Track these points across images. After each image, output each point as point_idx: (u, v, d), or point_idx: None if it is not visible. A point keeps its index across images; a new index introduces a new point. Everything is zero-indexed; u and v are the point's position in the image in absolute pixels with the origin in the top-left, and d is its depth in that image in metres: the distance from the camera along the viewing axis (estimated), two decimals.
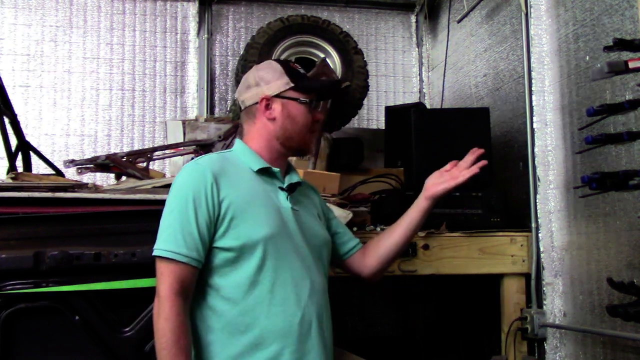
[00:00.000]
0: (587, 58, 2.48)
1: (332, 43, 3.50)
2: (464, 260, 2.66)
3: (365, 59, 3.54)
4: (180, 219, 1.64)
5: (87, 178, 3.46)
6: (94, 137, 4.06)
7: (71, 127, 4.05)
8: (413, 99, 4.51)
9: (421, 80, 4.56)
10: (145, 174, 2.84)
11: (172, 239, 1.63)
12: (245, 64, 3.36)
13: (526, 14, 2.81)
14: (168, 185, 2.28)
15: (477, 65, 3.63)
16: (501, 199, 2.75)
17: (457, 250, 2.66)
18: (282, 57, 3.42)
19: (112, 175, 3.01)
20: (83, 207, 2.06)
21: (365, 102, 3.69)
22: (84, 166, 2.91)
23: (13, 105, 2.93)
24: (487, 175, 2.86)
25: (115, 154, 2.98)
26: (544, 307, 2.64)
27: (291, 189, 1.82)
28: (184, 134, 3.18)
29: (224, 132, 3.07)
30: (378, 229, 2.65)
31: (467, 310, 3.35)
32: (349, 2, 4.51)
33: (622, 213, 2.24)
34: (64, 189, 2.16)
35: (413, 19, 4.63)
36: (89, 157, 3.12)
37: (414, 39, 4.62)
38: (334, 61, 3.47)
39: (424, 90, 4.52)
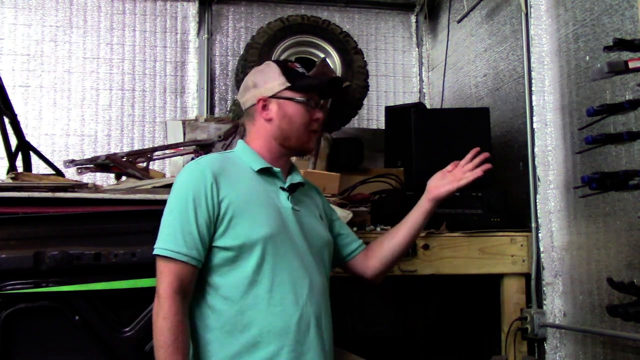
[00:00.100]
0: (587, 58, 2.48)
1: (332, 43, 3.50)
2: (464, 260, 2.66)
3: (365, 59, 3.54)
4: (180, 218, 1.65)
5: (87, 178, 3.46)
6: (94, 137, 4.06)
7: (71, 127, 4.05)
8: (413, 99, 4.51)
9: (421, 80, 4.56)
10: (145, 174, 2.84)
11: (171, 238, 1.64)
12: (245, 64, 3.36)
13: (526, 14, 2.81)
14: (168, 185, 2.28)
15: (477, 65, 3.63)
16: (501, 199, 2.75)
17: (457, 250, 2.66)
18: (282, 57, 3.42)
19: (112, 175, 3.01)
20: (83, 207, 2.06)
21: (365, 102, 3.69)
22: (84, 166, 2.91)
23: (13, 105, 2.93)
24: (488, 176, 2.87)
25: (115, 154, 2.98)
26: (544, 307, 2.64)
27: (292, 189, 1.82)
28: (184, 134, 3.18)
29: (224, 132, 3.08)
30: (378, 229, 2.65)
31: (467, 310, 3.35)
32: (349, 2, 4.51)
33: (622, 213, 2.24)
34: (64, 189, 2.16)
35: (413, 19, 4.63)
36: (89, 157, 3.12)
37: (414, 39, 4.62)
38: (334, 61, 3.47)
39: (424, 90, 4.52)
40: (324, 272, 1.80)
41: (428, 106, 4.30)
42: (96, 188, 2.38)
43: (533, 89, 2.76)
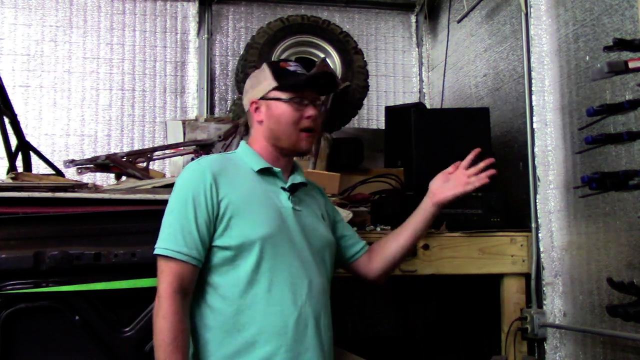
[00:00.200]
0: (587, 58, 2.48)
1: (332, 43, 3.50)
2: (464, 260, 2.66)
3: (365, 59, 3.54)
4: (180, 218, 1.66)
5: (87, 178, 3.46)
6: (94, 137, 4.06)
7: (71, 127, 4.05)
8: (413, 99, 4.51)
9: (421, 80, 4.56)
10: (145, 174, 2.84)
11: (171, 238, 1.65)
12: (245, 64, 3.36)
13: (526, 14, 2.81)
14: (168, 185, 2.29)
15: (477, 65, 3.63)
16: (501, 199, 2.75)
17: (457, 250, 2.66)
18: (282, 57, 3.42)
19: (112, 175, 3.01)
20: (83, 207, 2.06)
21: (365, 102, 3.69)
22: (84, 166, 2.91)
23: (13, 105, 2.93)
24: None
25: (115, 154, 2.98)
26: (544, 307, 2.64)
27: (293, 189, 1.81)
28: (184, 134, 3.19)
29: (224, 132, 3.08)
30: (378, 229, 2.65)
31: (467, 310, 3.35)
32: (349, 2, 4.51)
33: (622, 213, 2.24)
34: (64, 189, 2.16)
35: (413, 19, 4.63)
36: (89, 157, 3.12)
37: (414, 39, 4.62)
38: (334, 61, 3.47)
39: (424, 90, 4.52)
40: (324, 273, 1.79)
41: (428, 106, 4.30)
42: (96, 188, 2.38)
43: (533, 89, 2.76)
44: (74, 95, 4.07)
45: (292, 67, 1.84)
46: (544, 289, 2.64)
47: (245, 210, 1.69)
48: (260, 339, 1.63)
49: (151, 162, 3.03)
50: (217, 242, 1.67)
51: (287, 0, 4.40)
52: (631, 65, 1.93)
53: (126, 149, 3.97)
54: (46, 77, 4.05)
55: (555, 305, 2.63)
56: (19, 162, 2.95)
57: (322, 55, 3.45)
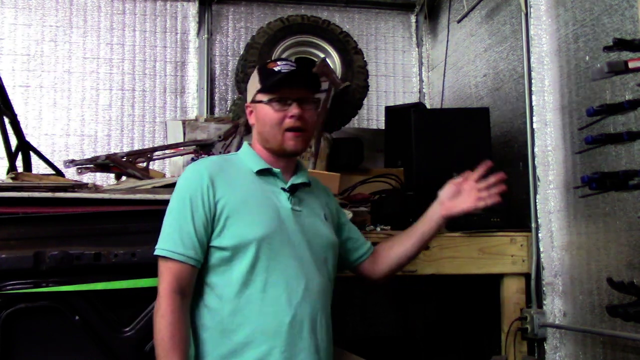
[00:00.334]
0: (587, 58, 2.48)
1: (332, 43, 3.50)
2: (464, 260, 2.66)
3: (365, 59, 3.54)
4: (178, 219, 1.68)
5: (87, 178, 3.47)
6: (94, 137, 4.07)
7: (71, 127, 4.05)
8: (413, 99, 4.51)
9: (421, 80, 4.56)
10: (145, 174, 2.84)
11: (170, 238, 1.67)
12: (245, 64, 3.36)
13: (526, 14, 2.81)
14: (168, 185, 2.29)
15: (477, 65, 3.63)
16: (501, 199, 2.75)
17: (457, 250, 2.66)
18: (282, 57, 3.42)
19: (112, 175, 3.01)
20: (83, 207, 2.06)
21: (365, 102, 3.69)
22: (84, 166, 2.91)
23: (13, 105, 2.93)
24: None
25: (115, 154, 2.98)
26: (544, 307, 2.64)
27: (293, 190, 1.81)
28: (184, 134, 3.19)
29: (224, 132, 3.08)
30: (378, 229, 2.65)
31: (467, 310, 3.35)
32: (349, 2, 4.51)
33: (622, 213, 2.24)
34: (64, 189, 2.16)
35: (413, 19, 4.63)
36: (89, 157, 3.12)
37: (414, 39, 4.62)
38: (334, 61, 3.47)
39: (424, 90, 4.52)
40: (325, 273, 1.78)
41: (428, 106, 4.30)
42: (96, 188, 2.38)
43: (533, 89, 2.76)
44: (74, 95, 4.07)
45: (278, 66, 1.79)
46: (544, 288, 2.64)
47: (241, 211, 1.69)
48: (254, 339, 1.64)
49: (151, 162, 3.03)
50: (214, 242, 1.69)
51: (287, 0, 4.40)
52: (631, 65, 1.93)
53: (126, 149, 3.97)
54: (46, 77, 4.05)
55: (555, 305, 2.63)
56: (19, 162, 2.95)
57: (322, 55, 3.46)
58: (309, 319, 1.68)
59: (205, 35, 4.24)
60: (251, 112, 1.85)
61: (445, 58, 4.01)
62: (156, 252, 1.67)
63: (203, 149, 3.05)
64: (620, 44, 1.97)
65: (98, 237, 2.00)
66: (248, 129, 3.00)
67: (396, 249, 1.98)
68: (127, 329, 1.99)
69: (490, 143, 2.92)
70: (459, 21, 3.87)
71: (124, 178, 2.89)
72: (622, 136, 2.10)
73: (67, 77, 4.07)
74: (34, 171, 3.07)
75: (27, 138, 3.10)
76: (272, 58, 3.33)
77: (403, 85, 4.59)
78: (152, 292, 1.69)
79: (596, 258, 2.39)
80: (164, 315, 1.61)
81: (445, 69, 4.01)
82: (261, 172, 1.79)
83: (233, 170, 1.78)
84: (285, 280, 1.68)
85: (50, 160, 3.19)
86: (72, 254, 1.93)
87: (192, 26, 4.27)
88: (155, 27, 4.23)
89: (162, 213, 1.73)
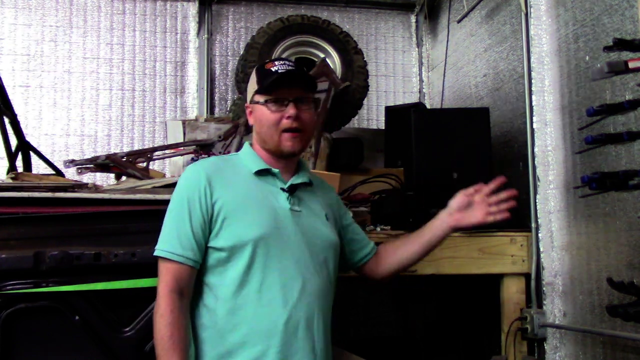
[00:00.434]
0: (587, 58, 2.48)
1: (332, 43, 3.50)
2: (464, 260, 2.66)
3: (365, 59, 3.54)
4: (177, 220, 1.70)
5: (87, 178, 3.47)
6: (94, 137, 4.07)
7: (71, 127, 4.05)
8: (413, 99, 4.51)
9: (421, 80, 4.56)
10: (145, 174, 2.84)
11: (168, 239, 1.69)
12: (245, 64, 3.36)
13: (526, 14, 2.81)
14: (168, 185, 2.29)
15: (477, 65, 3.63)
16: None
17: (457, 250, 2.66)
18: (282, 57, 3.42)
19: (112, 175, 3.01)
20: (83, 207, 2.06)
21: (365, 102, 3.69)
22: (84, 166, 2.91)
23: (13, 105, 2.93)
24: (487, 176, 2.87)
25: (115, 154, 2.98)
26: (544, 307, 2.64)
27: (292, 190, 1.81)
28: (184, 134, 3.19)
29: (224, 132, 3.08)
30: (378, 229, 2.65)
31: (467, 310, 3.35)
32: (349, 2, 4.51)
33: (622, 213, 2.24)
34: (64, 189, 2.16)
35: (413, 19, 4.64)
36: (89, 157, 3.12)
37: (414, 39, 4.62)
38: (334, 61, 3.47)
39: (424, 90, 4.52)
40: (324, 274, 1.77)
41: (428, 106, 4.30)
42: (96, 188, 2.38)
43: (533, 89, 2.76)
44: (74, 95, 4.07)
45: (276, 66, 1.79)
46: (544, 289, 2.64)
47: (238, 212, 1.70)
48: (250, 339, 1.64)
49: (151, 162, 3.03)
50: (212, 243, 1.70)
51: (287, 0, 4.40)
52: (631, 65, 1.93)
53: (126, 149, 3.97)
54: (46, 77, 4.05)
55: (555, 305, 2.63)
56: (19, 162, 2.95)
57: (322, 55, 3.46)
58: (304, 320, 1.68)
59: (205, 35, 4.24)
60: (250, 112, 1.85)
61: (445, 58, 4.01)
62: (155, 253, 1.69)
63: (203, 149, 3.05)
64: (620, 44, 1.97)
65: (98, 237, 2.00)
66: (248, 129, 3.00)
67: (400, 252, 1.98)
68: (127, 329, 1.99)
69: (490, 143, 2.92)
70: (459, 21, 3.87)
71: (124, 178, 2.89)
72: (622, 136, 2.10)
73: (67, 77, 4.07)
74: (34, 171, 3.07)
75: (27, 138, 3.10)
76: (272, 58, 3.33)
77: (403, 85, 4.59)
78: (152, 292, 1.69)
79: (596, 258, 2.39)
80: (163, 314, 1.62)
81: (445, 69, 4.01)
82: (260, 173, 1.79)
83: (232, 171, 1.78)
84: (282, 281, 1.68)
85: (50, 160, 3.19)
86: (72, 254, 1.93)
87: (192, 26, 4.27)
88: (155, 27, 4.23)
89: (162, 213, 1.74)
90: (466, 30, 3.80)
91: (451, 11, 4.02)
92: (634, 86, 2.16)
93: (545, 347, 2.63)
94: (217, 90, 4.27)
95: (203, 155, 3.00)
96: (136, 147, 4.03)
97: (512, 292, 2.72)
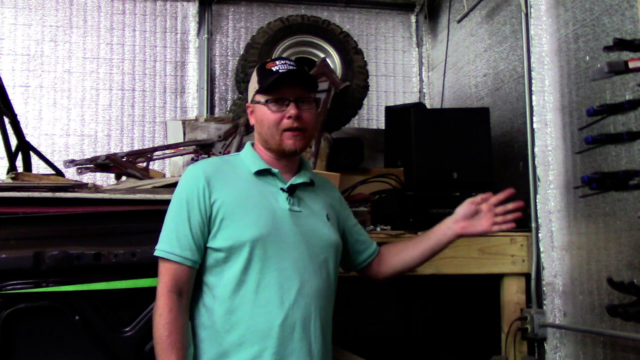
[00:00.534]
0: (587, 58, 2.48)
1: (332, 43, 3.50)
2: (464, 260, 2.66)
3: (365, 59, 3.54)
4: (176, 221, 1.71)
5: (87, 178, 3.46)
6: (94, 137, 4.07)
7: (71, 127, 4.05)
8: (413, 99, 4.51)
9: (421, 80, 4.56)
10: (145, 174, 2.84)
11: (168, 240, 1.70)
12: (245, 64, 3.36)
13: (526, 14, 2.81)
14: (168, 185, 2.29)
15: (477, 65, 3.63)
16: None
17: (457, 250, 2.66)
18: (281, 57, 3.42)
19: (112, 175, 3.01)
20: (83, 207, 2.05)
21: (365, 102, 3.69)
22: (84, 166, 2.91)
23: (13, 105, 2.93)
24: (487, 176, 2.87)
25: (115, 154, 2.98)
26: (544, 307, 2.64)
27: (292, 190, 1.80)
28: (184, 134, 3.19)
29: (224, 132, 3.08)
30: (378, 229, 2.65)
31: (467, 310, 3.35)
32: (349, 2, 4.51)
33: (622, 213, 2.24)
34: (64, 189, 2.15)
35: (413, 19, 4.64)
36: (89, 157, 3.12)
37: (414, 39, 4.62)
38: (334, 61, 3.47)
39: (424, 90, 4.52)
40: (324, 275, 1.76)
41: (428, 106, 4.30)
42: (96, 188, 2.38)
43: (533, 89, 2.76)
44: (74, 95, 4.07)
45: (276, 66, 1.78)
46: (544, 289, 2.64)
47: (236, 213, 1.70)
48: (246, 340, 1.65)
49: (151, 162, 3.03)
50: (210, 243, 1.70)
51: (287, 0, 4.40)
52: (631, 65, 1.93)
53: (126, 149, 3.97)
54: (46, 77, 4.05)
55: (555, 305, 2.63)
56: (19, 162, 2.95)
57: (322, 55, 3.46)
58: (301, 321, 1.68)
59: (205, 35, 4.24)
60: (251, 112, 1.85)
61: (445, 58, 4.01)
62: (155, 253, 1.70)
63: (203, 149, 3.05)
64: (621, 44, 1.97)
65: (98, 237, 2.00)
66: (248, 129, 3.00)
67: (403, 255, 1.98)
68: (127, 329, 1.99)
69: (490, 143, 2.92)
70: (459, 21, 3.87)
71: (124, 178, 2.89)
72: (622, 136, 2.10)
73: (67, 77, 4.07)
74: (34, 171, 3.07)
75: (27, 138, 3.09)
76: (273, 58, 3.33)
77: (403, 85, 4.59)
78: (152, 292, 1.69)
79: (596, 258, 2.39)
80: (161, 314, 1.64)
81: (445, 69, 4.01)
82: (260, 173, 1.79)
83: (231, 172, 1.78)
84: (279, 281, 1.68)
85: (50, 160, 3.19)
86: (72, 254, 1.93)
87: (192, 26, 4.27)
88: (155, 27, 4.23)
89: (162, 213, 1.74)
90: (466, 30, 3.80)
91: (451, 11, 4.02)
92: (634, 86, 2.16)
93: (545, 347, 2.63)
94: (217, 90, 4.27)
95: (203, 155, 3.00)
96: (136, 147, 4.03)
97: (512, 292, 2.72)
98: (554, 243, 2.66)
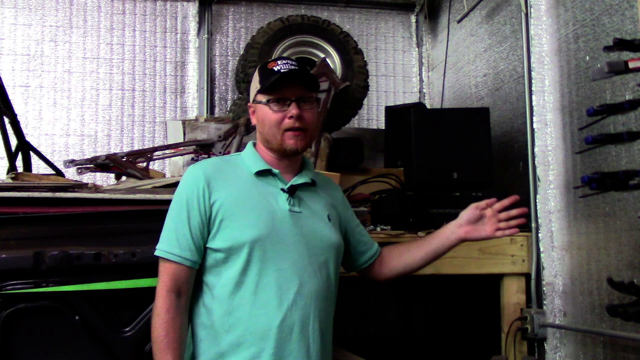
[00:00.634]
0: (587, 58, 2.48)
1: (332, 43, 3.50)
2: (464, 260, 2.66)
3: (365, 59, 3.54)
4: (176, 221, 1.71)
5: (87, 178, 3.46)
6: (94, 137, 4.07)
7: (71, 127, 4.05)
8: (413, 99, 4.51)
9: (421, 80, 4.56)
10: (145, 174, 2.84)
11: (167, 240, 1.70)
12: (245, 64, 3.36)
13: (526, 14, 2.81)
14: (168, 185, 2.29)
15: (477, 65, 3.63)
16: (501, 199, 2.75)
17: (457, 250, 2.61)
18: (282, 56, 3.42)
19: (112, 175, 3.01)
20: (83, 207, 2.06)
21: (365, 102, 3.69)
22: (84, 166, 2.90)
23: (13, 105, 2.93)
24: (487, 176, 2.87)
25: (115, 154, 2.97)
26: (544, 307, 2.64)
27: (292, 190, 1.80)
28: (184, 134, 3.19)
29: (224, 132, 3.07)
30: (378, 229, 2.65)
31: (467, 310, 3.35)
32: (349, 2, 4.51)
33: (622, 213, 2.24)
34: (64, 189, 2.15)
35: (413, 19, 4.64)
36: (89, 157, 3.12)
37: (414, 39, 4.62)
38: (334, 61, 3.47)
39: (424, 90, 4.52)
40: (324, 275, 1.76)
41: (428, 106, 4.30)
42: (96, 188, 2.38)
43: (533, 89, 2.76)
44: (74, 95, 4.07)
45: (278, 65, 1.78)
46: (544, 289, 2.64)
47: (236, 213, 1.70)
48: (244, 340, 1.64)
49: (151, 162, 3.03)
50: (210, 244, 1.70)
51: (287, 0, 4.40)
52: (631, 65, 1.93)
53: (126, 149, 3.97)
54: (46, 77, 4.05)
55: (555, 305, 2.63)
56: (19, 162, 2.95)
57: (322, 55, 3.46)
58: (299, 322, 1.67)
59: (205, 35, 4.24)
60: (253, 112, 1.85)
61: (445, 58, 4.01)
62: (155, 253, 1.70)
63: (203, 149, 3.05)
64: (621, 44, 1.97)
65: (98, 237, 2.00)
66: (248, 129, 3.00)
67: (405, 257, 1.97)
68: (127, 329, 1.99)
69: (490, 143, 2.92)
70: (459, 21, 3.87)
71: (124, 178, 2.89)
72: (622, 136, 2.10)
73: (67, 77, 4.07)
74: (34, 171, 3.07)
75: (27, 138, 3.10)
76: (274, 57, 3.33)
77: (403, 85, 4.59)
78: (152, 292, 1.69)
79: (596, 258, 2.39)
80: (159, 314, 1.64)
81: (445, 69, 4.01)
82: (260, 173, 1.79)
83: (232, 172, 1.78)
84: (277, 282, 1.67)
85: (50, 160, 3.19)
86: (72, 254, 1.93)
87: (192, 26, 4.27)
88: (155, 27, 4.23)
89: (162, 213, 1.74)
90: (466, 30, 3.80)
91: (451, 11, 4.02)
92: (634, 86, 2.16)
93: (545, 347, 2.63)
94: (217, 90, 4.27)
95: (203, 155, 3.00)
96: (136, 147, 4.03)
97: (512, 292, 2.72)
98: (554, 243, 2.66)
